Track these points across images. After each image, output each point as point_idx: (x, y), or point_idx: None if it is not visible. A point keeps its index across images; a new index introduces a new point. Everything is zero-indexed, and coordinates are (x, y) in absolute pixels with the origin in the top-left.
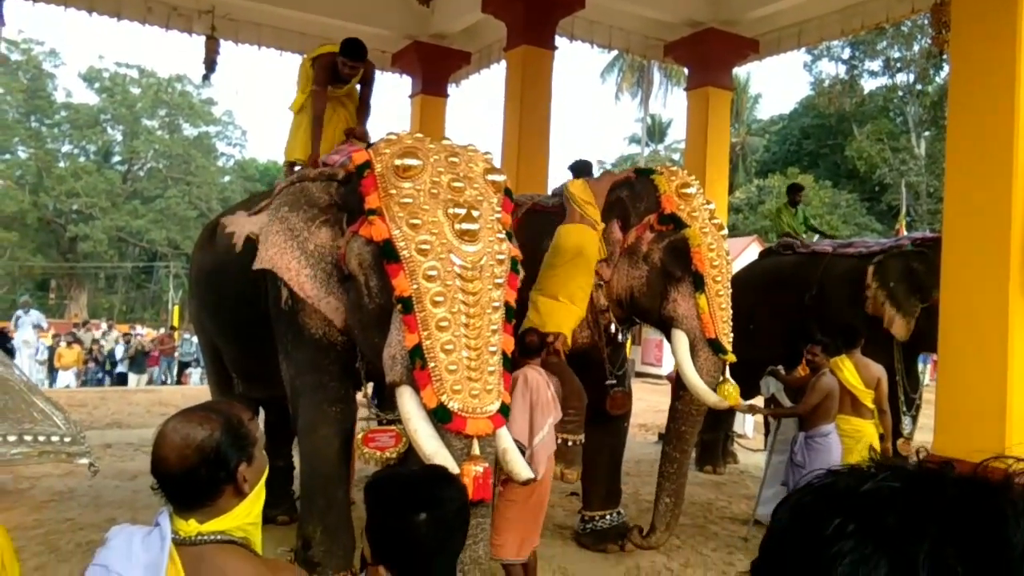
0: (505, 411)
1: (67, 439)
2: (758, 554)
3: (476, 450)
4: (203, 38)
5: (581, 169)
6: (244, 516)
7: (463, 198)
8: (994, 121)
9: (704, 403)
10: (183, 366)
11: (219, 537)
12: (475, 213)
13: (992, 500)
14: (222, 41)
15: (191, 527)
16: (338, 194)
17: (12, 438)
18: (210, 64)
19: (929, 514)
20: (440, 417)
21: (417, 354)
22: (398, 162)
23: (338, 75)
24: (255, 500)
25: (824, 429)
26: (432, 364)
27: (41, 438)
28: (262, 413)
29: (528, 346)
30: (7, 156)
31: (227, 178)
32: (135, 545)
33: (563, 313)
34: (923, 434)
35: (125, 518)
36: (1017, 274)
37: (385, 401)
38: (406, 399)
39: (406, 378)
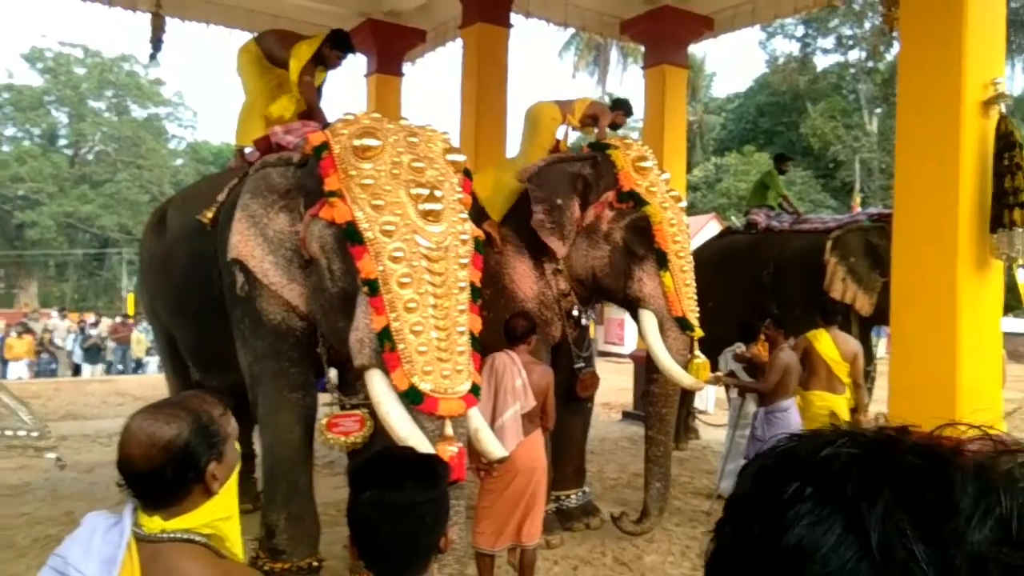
0: (476, 391)
1: (34, 433)
2: (722, 515)
3: (449, 431)
4: (148, 15)
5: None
6: (213, 513)
7: (424, 178)
8: (943, 98)
9: (679, 385)
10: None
11: (180, 535)
12: (438, 193)
13: (942, 466)
14: (168, 18)
15: (155, 524)
16: (295, 177)
17: None
18: (156, 42)
19: (883, 478)
20: (412, 399)
21: (386, 336)
22: (357, 142)
23: (316, 64)
24: (224, 496)
25: (783, 404)
26: (402, 346)
27: (8, 432)
28: None
29: (512, 331)
30: None
31: (179, 161)
32: (96, 537)
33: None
34: (876, 406)
35: (83, 511)
36: (966, 249)
37: (348, 386)
38: (376, 382)
39: (375, 361)
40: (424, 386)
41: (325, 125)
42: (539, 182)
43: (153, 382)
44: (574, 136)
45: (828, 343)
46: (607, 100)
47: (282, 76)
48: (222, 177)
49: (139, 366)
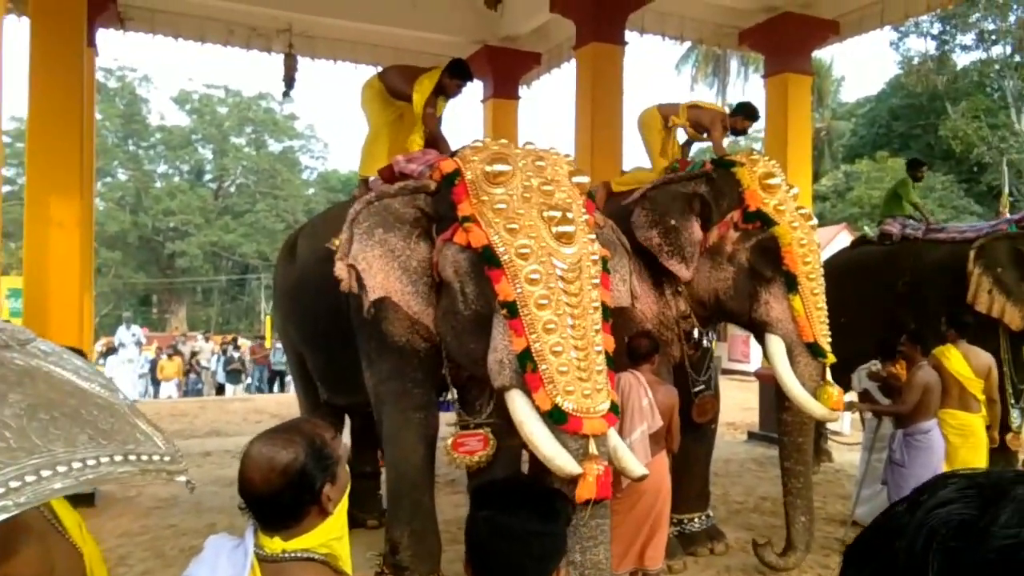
0: (615, 409)
1: (167, 458)
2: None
3: (593, 449)
4: (282, 56)
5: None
6: (328, 533)
7: (554, 201)
8: None
9: (811, 415)
10: (276, 375)
11: (301, 555)
12: (569, 215)
13: None
14: (299, 57)
15: (275, 544)
16: (426, 204)
17: (119, 458)
18: (289, 81)
19: None
20: (555, 419)
21: (527, 357)
22: (488, 168)
23: (436, 94)
24: (338, 516)
25: (924, 426)
26: (543, 366)
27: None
28: (347, 420)
29: (635, 350)
30: (108, 179)
31: (311, 190)
32: (222, 558)
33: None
34: None
35: (224, 523)
36: None
37: (469, 405)
38: (518, 402)
39: (516, 381)
40: (567, 405)
41: (452, 153)
42: (651, 205)
43: (290, 400)
44: (696, 148)
45: (959, 359)
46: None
47: (403, 108)
48: (348, 206)
49: (280, 385)
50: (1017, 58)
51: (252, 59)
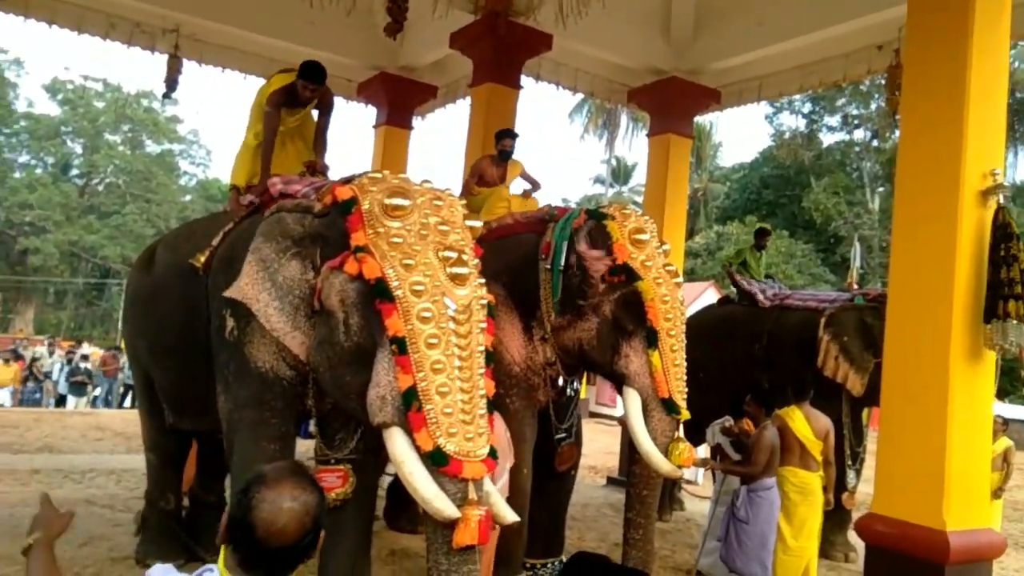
0: (494, 454)
1: None
2: None
3: (472, 494)
4: (166, 56)
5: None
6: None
7: (450, 241)
8: (941, 185)
9: (658, 471)
10: (128, 389)
11: None
12: (464, 257)
13: None
14: (186, 61)
15: None
16: (311, 226)
17: None
18: (171, 83)
19: None
20: (436, 461)
21: (412, 396)
22: (388, 201)
23: (295, 99)
24: None
25: (766, 483)
26: (428, 406)
27: None
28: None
29: None
30: None
31: (188, 197)
32: None
33: None
34: (867, 486)
35: None
36: (959, 337)
37: (330, 440)
38: (398, 441)
39: (398, 420)
40: (449, 447)
41: (347, 180)
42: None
43: (136, 417)
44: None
45: (802, 420)
46: (614, 163)
47: (285, 120)
48: (217, 220)
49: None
50: (876, 143)
51: (138, 56)
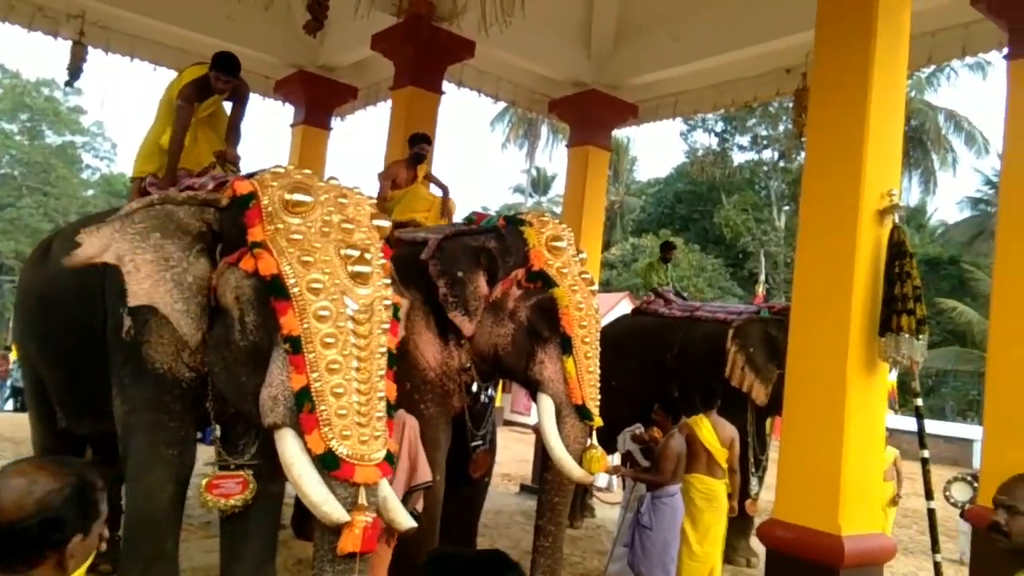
0: (391, 459)
1: None
2: None
3: (363, 499)
4: (70, 43)
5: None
6: None
7: (354, 239)
8: (842, 204)
9: (570, 477)
10: (17, 392)
11: None
12: (367, 256)
13: None
14: (91, 48)
15: None
16: (214, 221)
17: None
18: (74, 71)
19: None
20: (327, 464)
21: (305, 396)
22: (288, 196)
23: (207, 92)
24: None
25: (670, 490)
26: (321, 407)
27: None
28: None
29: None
30: None
31: (91, 191)
32: None
33: None
34: (769, 493)
35: None
36: (856, 350)
37: (231, 444)
38: (288, 442)
39: (289, 420)
40: (341, 450)
41: (250, 175)
42: (440, 256)
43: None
44: (499, 203)
45: (708, 429)
46: (534, 173)
47: (196, 111)
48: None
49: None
50: (782, 163)
51: (37, 41)
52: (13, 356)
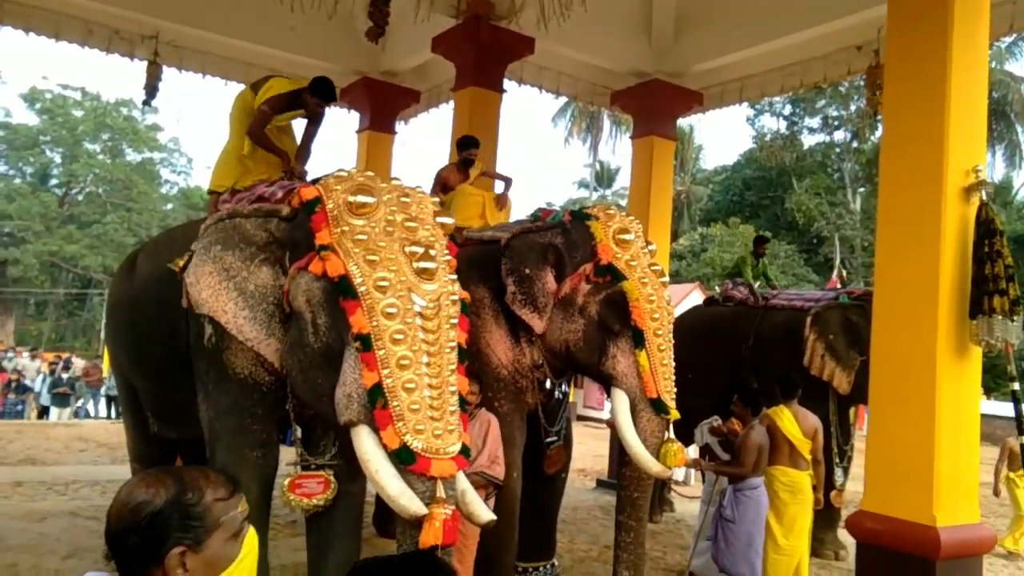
0: (466, 452)
1: None
2: None
3: (440, 493)
4: (145, 63)
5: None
6: None
7: (417, 237)
8: (924, 183)
9: (648, 472)
10: (111, 400)
11: None
12: (432, 252)
13: None
14: (165, 67)
15: None
16: (279, 230)
17: None
18: (151, 90)
19: None
20: (403, 458)
21: (377, 393)
22: (352, 198)
23: (291, 107)
24: None
25: (753, 482)
26: (394, 403)
27: None
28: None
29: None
30: None
31: (170, 206)
32: None
33: None
34: (855, 484)
35: (28, 564)
36: (945, 333)
37: (313, 445)
38: (364, 439)
39: (364, 417)
40: (416, 445)
41: (314, 181)
42: (510, 254)
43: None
44: (564, 198)
45: (790, 420)
46: (598, 167)
47: (274, 120)
48: (198, 224)
49: (116, 411)
50: (856, 144)
51: (115, 63)
52: (105, 365)
